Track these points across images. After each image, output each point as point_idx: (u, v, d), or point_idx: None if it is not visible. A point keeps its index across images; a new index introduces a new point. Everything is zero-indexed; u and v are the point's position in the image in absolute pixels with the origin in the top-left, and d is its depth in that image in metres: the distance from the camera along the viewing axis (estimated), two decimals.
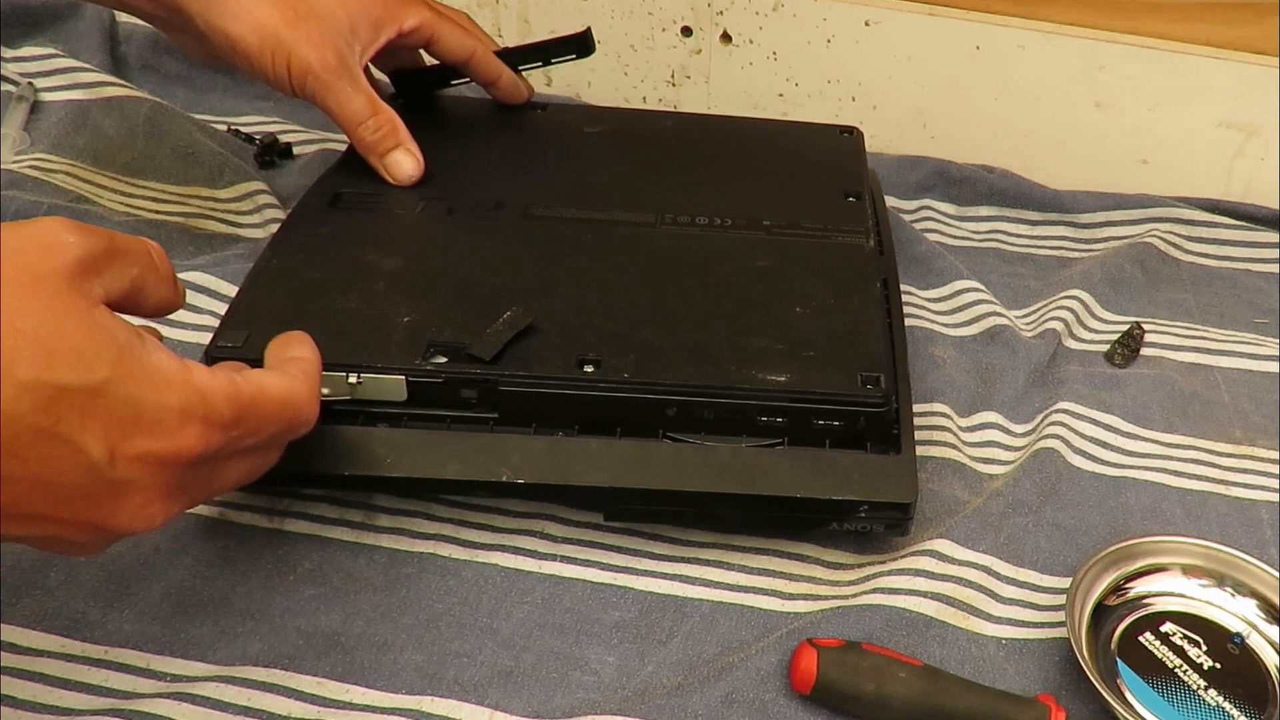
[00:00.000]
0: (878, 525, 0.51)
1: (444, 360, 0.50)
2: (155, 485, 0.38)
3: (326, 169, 0.65)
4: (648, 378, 0.50)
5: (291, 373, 0.44)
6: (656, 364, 0.51)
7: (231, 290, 0.64)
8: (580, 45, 0.69)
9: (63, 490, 0.36)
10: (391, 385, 0.50)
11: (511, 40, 0.88)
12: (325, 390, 0.50)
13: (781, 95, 0.85)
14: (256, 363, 0.50)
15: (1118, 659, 0.49)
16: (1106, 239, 0.77)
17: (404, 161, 0.62)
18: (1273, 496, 0.58)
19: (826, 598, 0.52)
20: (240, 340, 0.50)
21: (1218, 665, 0.49)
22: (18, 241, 0.36)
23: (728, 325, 0.53)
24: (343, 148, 0.67)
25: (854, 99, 0.84)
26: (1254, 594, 0.52)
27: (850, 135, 0.70)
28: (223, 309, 0.63)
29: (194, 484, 0.40)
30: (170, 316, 0.62)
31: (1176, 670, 0.48)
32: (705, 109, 0.88)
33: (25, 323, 0.34)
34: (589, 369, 0.50)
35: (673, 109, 0.89)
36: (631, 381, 0.50)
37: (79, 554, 0.40)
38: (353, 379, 0.50)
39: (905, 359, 0.56)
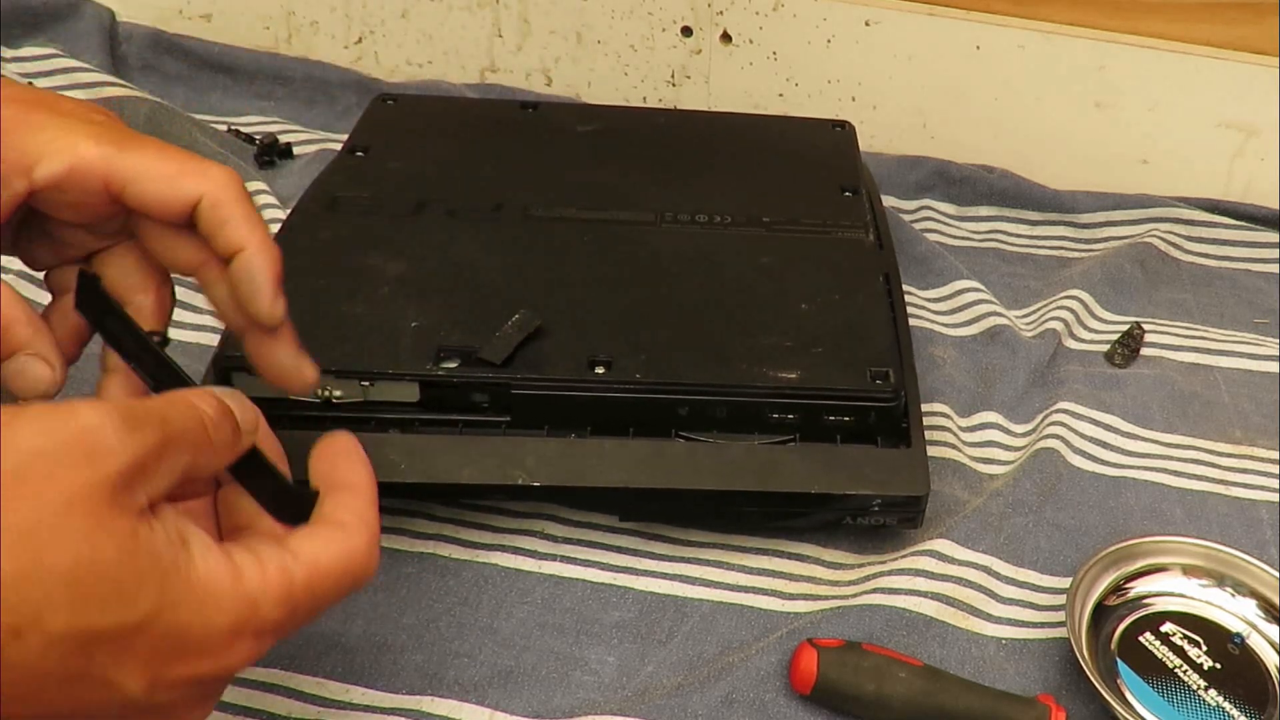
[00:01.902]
0: (890, 519, 0.51)
1: (455, 364, 0.50)
2: (198, 699, 0.34)
3: (321, 172, 0.65)
4: (659, 378, 0.50)
5: (347, 522, 0.37)
6: (667, 364, 0.51)
7: None
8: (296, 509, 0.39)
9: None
10: (404, 390, 0.50)
11: (512, 40, 0.88)
12: (337, 393, 0.50)
13: (781, 95, 0.85)
14: None
15: (1118, 659, 0.49)
16: (1106, 239, 0.77)
17: (25, 371, 0.39)
18: (1273, 496, 0.58)
19: (826, 598, 0.52)
20: (245, 348, 0.50)
21: (1218, 665, 0.49)
22: (54, 448, 0.30)
23: (735, 323, 0.53)
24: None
25: (854, 99, 0.84)
26: (1254, 594, 0.52)
27: (843, 129, 0.71)
28: None
29: (222, 689, 0.36)
30: (170, 317, 0.62)
31: (1176, 670, 0.48)
32: (705, 109, 0.88)
33: (57, 558, 0.29)
34: (600, 370, 0.50)
35: (673, 109, 0.89)
36: (643, 382, 0.50)
37: None
38: (364, 384, 0.50)
39: (911, 353, 0.57)
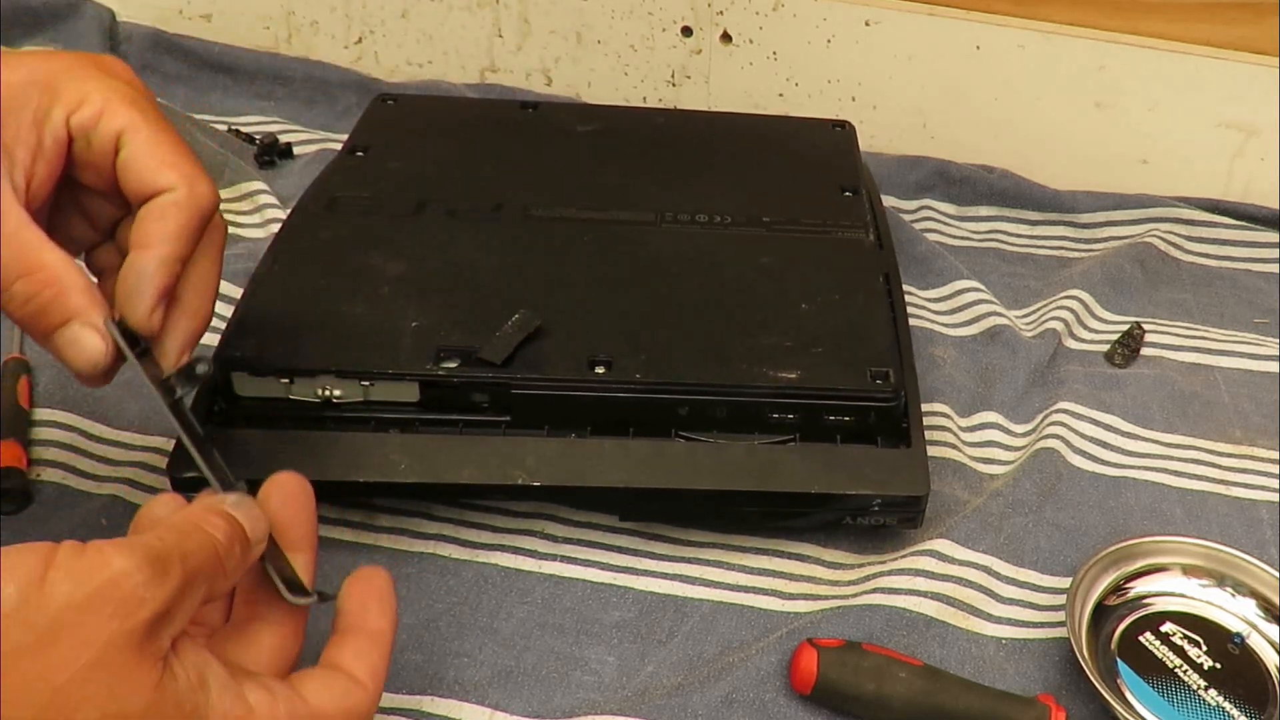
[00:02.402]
0: (890, 519, 0.51)
1: (455, 364, 0.50)
2: None
3: (321, 172, 0.65)
4: (659, 378, 0.50)
5: (360, 676, 0.38)
6: (668, 364, 0.51)
7: (231, 290, 0.64)
8: None
9: None
10: (404, 390, 0.51)
11: (512, 40, 0.88)
12: (337, 393, 0.51)
13: (781, 95, 0.85)
14: (266, 371, 0.50)
15: (1118, 659, 0.49)
16: (1106, 239, 0.77)
17: (78, 341, 0.39)
18: (1273, 496, 0.58)
19: (826, 598, 0.52)
20: (249, 349, 0.51)
21: (1218, 665, 0.49)
22: (86, 600, 0.30)
23: (735, 323, 0.53)
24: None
25: (854, 99, 0.84)
26: (1254, 594, 0.52)
27: (843, 129, 0.71)
28: (223, 308, 0.63)
29: None
30: None
31: (1176, 670, 0.48)
32: (705, 109, 0.88)
33: (88, 714, 0.29)
34: (600, 370, 0.50)
35: (673, 109, 0.89)
36: (643, 382, 0.50)
37: None
38: (364, 384, 0.50)
39: (911, 352, 0.57)
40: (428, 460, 0.50)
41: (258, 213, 0.72)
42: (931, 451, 0.54)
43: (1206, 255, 0.75)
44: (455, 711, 0.47)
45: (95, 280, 0.43)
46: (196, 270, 0.42)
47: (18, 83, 0.39)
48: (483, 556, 0.53)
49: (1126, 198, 0.78)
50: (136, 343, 0.40)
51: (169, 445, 0.54)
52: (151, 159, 0.40)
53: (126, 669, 0.30)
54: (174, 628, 0.32)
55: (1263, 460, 0.60)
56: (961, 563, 0.53)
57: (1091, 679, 0.47)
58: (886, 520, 0.52)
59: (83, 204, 0.42)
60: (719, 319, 0.54)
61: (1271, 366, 0.67)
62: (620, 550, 0.54)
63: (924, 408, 0.60)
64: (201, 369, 0.42)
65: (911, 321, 0.63)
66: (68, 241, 0.43)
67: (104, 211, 0.43)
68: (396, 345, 0.51)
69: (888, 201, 0.76)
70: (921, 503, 0.51)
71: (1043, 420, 0.62)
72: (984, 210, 0.80)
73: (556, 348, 0.51)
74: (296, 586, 0.39)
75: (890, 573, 0.52)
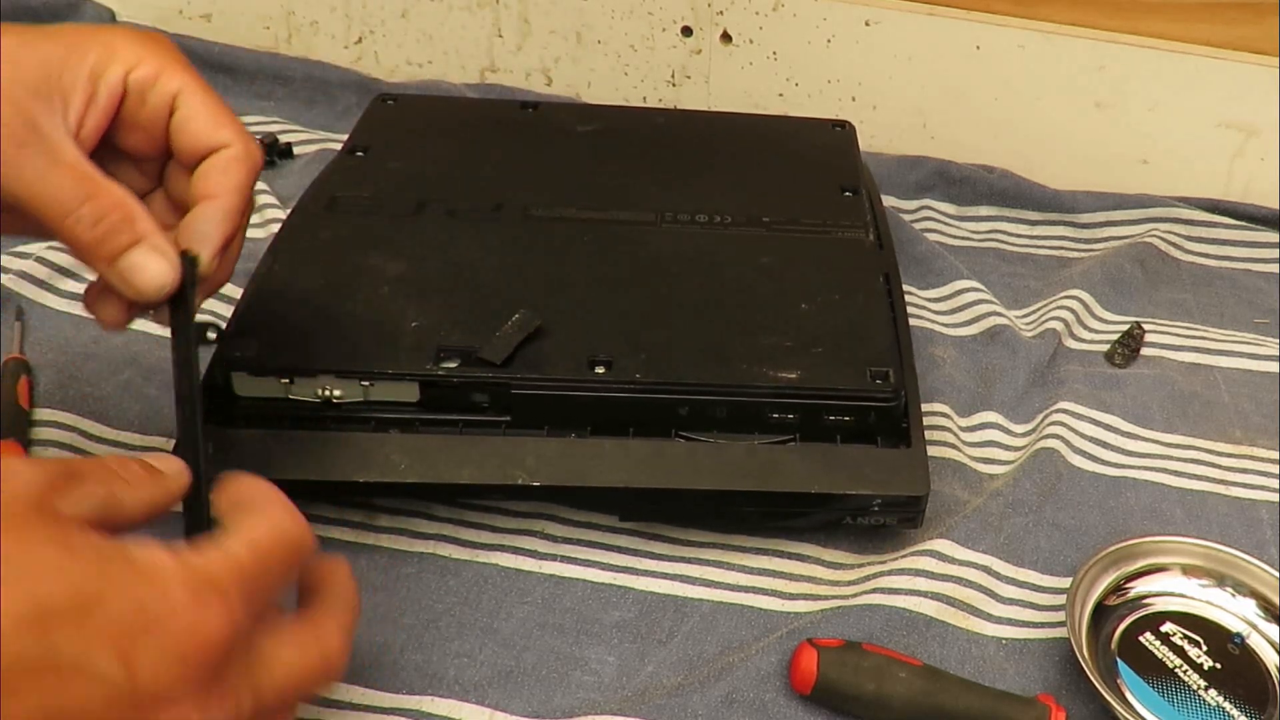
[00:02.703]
0: (890, 519, 0.51)
1: (455, 364, 0.50)
2: (190, 690, 0.33)
3: (321, 172, 0.65)
4: (659, 378, 0.50)
5: (265, 508, 0.38)
6: (667, 364, 0.51)
7: (231, 290, 0.63)
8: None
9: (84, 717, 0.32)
10: (404, 390, 0.50)
11: (512, 40, 0.88)
12: (337, 393, 0.51)
13: (781, 95, 0.85)
14: (266, 371, 0.50)
15: (1118, 659, 0.49)
16: (1106, 239, 0.77)
17: (148, 265, 0.41)
18: (1273, 496, 0.58)
19: (826, 598, 0.52)
20: (249, 349, 0.51)
21: (1218, 665, 0.49)
22: None
23: (735, 323, 0.53)
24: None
25: (854, 99, 0.84)
26: (1254, 594, 0.52)
27: (843, 129, 0.71)
28: (223, 309, 0.63)
29: (236, 678, 0.35)
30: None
31: (1176, 670, 0.48)
32: (705, 109, 0.88)
33: (8, 569, 0.31)
34: (600, 370, 0.50)
35: (673, 109, 0.89)
36: (643, 382, 0.50)
37: None
38: (364, 384, 0.50)
39: (911, 352, 0.57)
40: (428, 460, 0.50)
41: (258, 213, 0.72)
42: (931, 451, 0.54)
43: (1206, 255, 0.75)
44: (455, 711, 0.47)
45: None
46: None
47: (77, 38, 0.41)
48: (483, 556, 0.53)
49: (1126, 198, 0.78)
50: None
51: (169, 445, 0.54)
52: (210, 118, 0.43)
53: (28, 522, 0.32)
54: (71, 506, 0.34)
55: (1263, 460, 0.60)
56: (961, 563, 0.53)
57: (1091, 679, 0.47)
58: (886, 520, 0.52)
59: (111, 174, 0.43)
60: (719, 319, 0.54)
61: (1271, 366, 0.67)
62: (620, 550, 0.54)
63: (924, 408, 0.60)
64: (211, 334, 0.44)
65: (911, 321, 0.63)
66: None
67: (133, 182, 0.45)
68: (396, 345, 0.51)
69: (888, 201, 0.76)
70: (921, 503, 0.51)
71: (1043, 420, 0.62)
72: (984, 210, 0.80)
73: (556, 348, 0.51)
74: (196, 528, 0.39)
75: (890, 573, 0.52)
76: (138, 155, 0.45)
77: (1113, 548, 0.52)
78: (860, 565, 0.54)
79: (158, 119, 0.43)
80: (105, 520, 0.35)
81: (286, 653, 0.36)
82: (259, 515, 0.38)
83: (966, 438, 0.61)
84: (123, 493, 0.36)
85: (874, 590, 0.51)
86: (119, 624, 0.32)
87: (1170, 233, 0.76)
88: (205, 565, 0.34)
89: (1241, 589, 0.52)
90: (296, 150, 0.80)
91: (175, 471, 0.39)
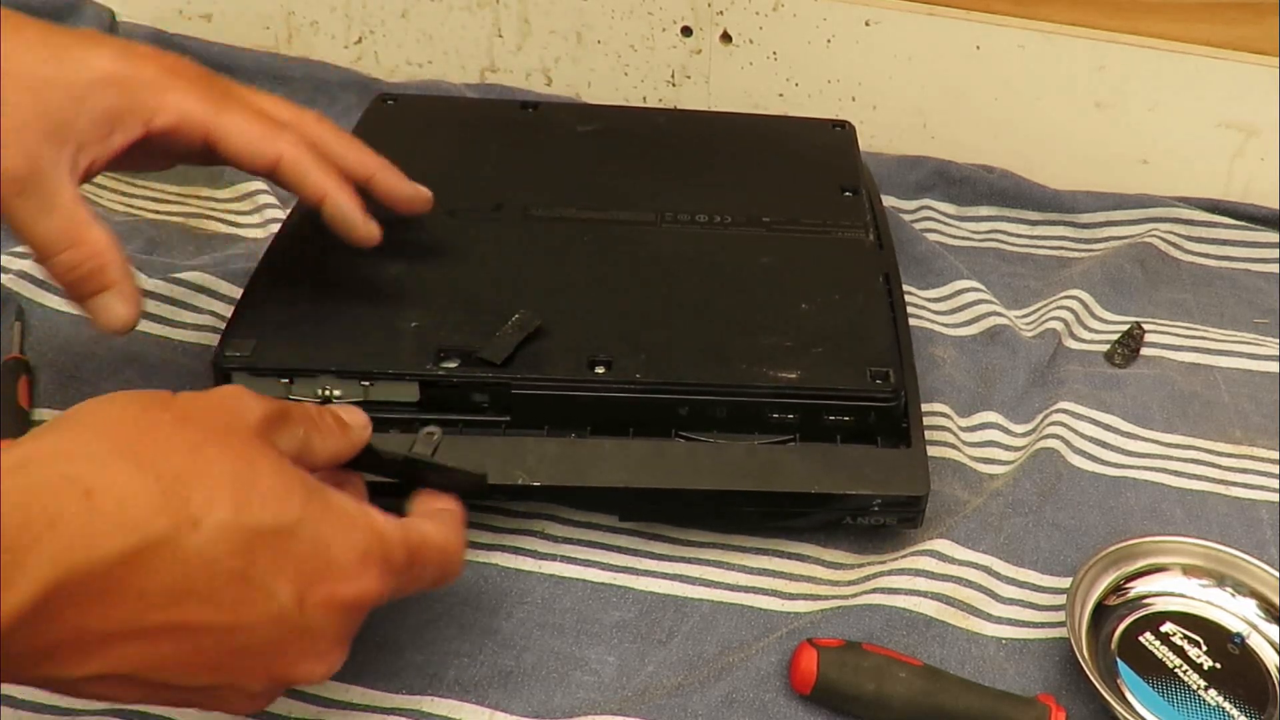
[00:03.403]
0: (890, 519, 0.51)
1: (455, 365, 0.50)
2: (336, 632, 0.38)
3: None
4: (659, 378, 0.50)
5: (447, 523, 0.43)
6: (668, 364, 0.51)
7: (231, 290, 0.64)
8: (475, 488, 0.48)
9: (253, 638, 0.36)
10: (404, 390, 0.50)
11: (512, 40, 0.88)
12: (336, 393, 0.51)
13: (781, 95, 0.85)
14: (266, 372, 0.50)
15: (1118, 659, 0.49)
16: (1106, 239, 0.77)
17: (112, 306, 0.46)
18: (1273, 496, 0.58)
19: (826, 598, 0.52)
20: (248, 350, 0.50)
21: (1218, 665, 0.49)
22: (207, 402, 0.37)
23: (735, 323, 0.53)
24: None
25: (854, 99, 0.84)
26: (1254, 594, 0.52)
27: (843, 129, 0.70)
28: (222, 309, 0.63)
29: (355, 631, 0.39)
30: (170, 316, 0.62)
31: (1176, 670, 0.48)
32: (705, 109, 0.88)
33: (221, 468, 0.35)
34: (600, 370, 0.50)
35: (673, 109, 0.89)
36: (643, 382, 0.50)
37: (241, 709, 0.38)
38: (364, 384, 0.50)
39: (911, 353, 0.57)
40: None
41: (258, 213, 0.72)
42: (931, 451, 0.54)
43: (1206, 255, 0.75)
44: (455, 711, 0.47)
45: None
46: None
47: (94, 79, 0.43)
48: (482, 556, 0.53)
49: (1126, 198, 0.78)
50: None
51: None
52: (248, 148, 0.46)
53: (251, 445, 0.37)
54: (282, 441, 0.39)
55: (1263, 460, 0.60)
56: (961, 563, 0.53)
57: (1091, 679, 0.47)
58: (886, 520, 0.52)
59: (134, 158, 0.47)
60: (719, 319, 0.54)
61: (1271, 366, 0.67)
62: (620, 550, 0.54)
63: (924, 408, 0.60)
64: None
65: (911, 321, 0.63)
66: (123, 168, 0.49)
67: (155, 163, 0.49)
68: (396, 345, 0.51)
69: (888, 201, 0.76)
70: (921, 503, 0.51)
71: (1043, 420, 0.62)
72: (984, 210, 0.80)
73: (556, 348, 0.51)
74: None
75: (890, 573, 0.52)
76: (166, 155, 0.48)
77: (1113, 548, 0.52)
78: (860, 565, 0.54)
79: (194, 145, 0.46)
80: (299, 461, 0.39)
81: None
82: (446, 524, 0.43)
83: (966, 438, 0.61)
84: (316, 439, 0.41)
85: (874, 590, 0.51)
86: (305, 559, 0.36)
87: (1170, 233, 0.76)
88: (383, 530, 0.39)
89: (1241, 589, 0.52)
90: None
91: (360, 425, 0.43)
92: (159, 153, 0.47)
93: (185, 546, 0.33)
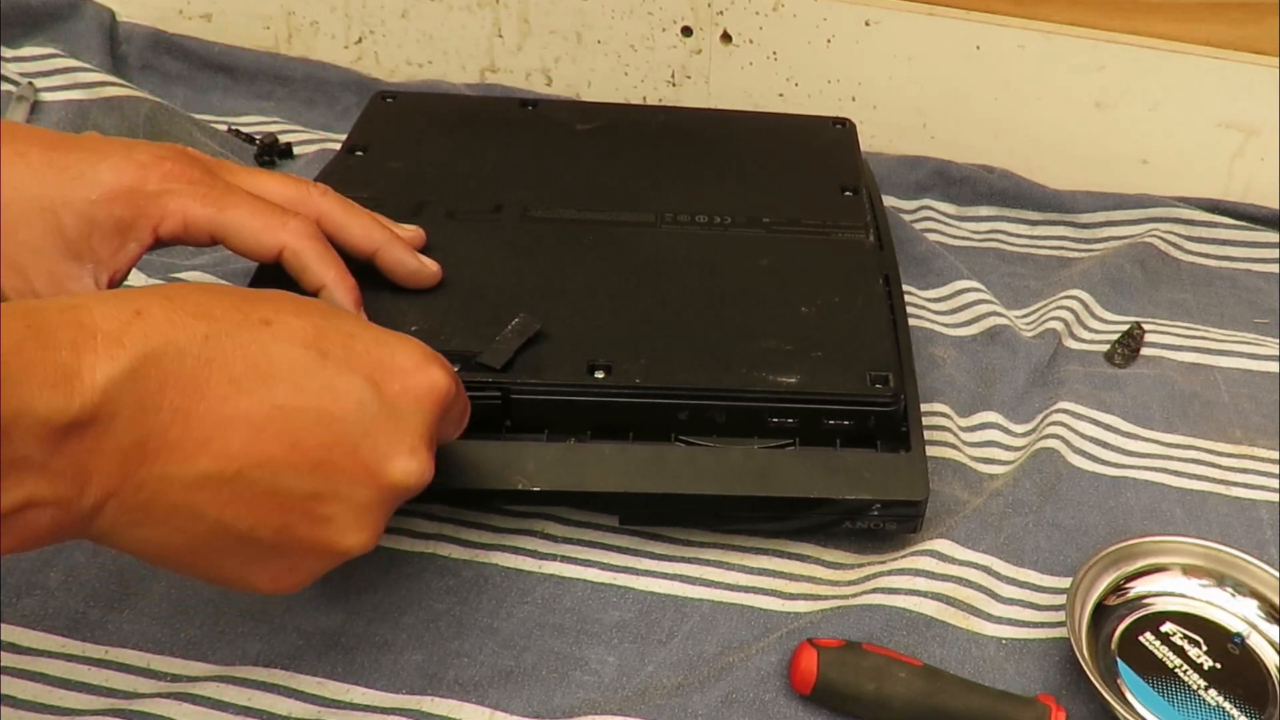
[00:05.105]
0: (890, 523, 0.51)
1: (455, 369, 0.50)
2: (421, 426, 0.40)
3: (321, 172, 0.64)
4: (659, 382, 0.50)
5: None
6: (667, 368, 0.51)
7: None
8: None
9: (345, 428, 0.38)
10: None
11: (512, 40, 0.88)
12: None
13: (782, 95, 0.85)
14: None
15: (1118, 659, 0.49)
16: (1106, 239, 0.77)
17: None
18: (1273, 496, 0.58)
19: (826, 598, 0.52)
20: None
21: (1218, 665, 0.49)
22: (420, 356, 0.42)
23: (735, 327, 0.53)
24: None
25: (854, 99, 0.84)
26: (1254, 594, 0.52)
27: (843, 127, 0.70)
28: None
29: (433, 445, 0.42)
30: None
31: (1176, 670, 0.48)
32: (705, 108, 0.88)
33: (283, 299, 0.40)
34: (600, 375, 0.50)
35: (673, 106, 0.89)
36: (643, 386, 0.50)
37: (349, 537, 0.40)
38: None
39: (911, 356, 0.57)
40: None
41: None
42: (931, 452, 0.54)
43: (1206, 255, 0.75)
44: (455, 711, 0.47)
45: None
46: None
47: (101, 196, 0.45)
48: (482, 556, 0.53)
49: (1126, 198, 0.78)
50: None
51: None
52: (253, 240, 0.47)
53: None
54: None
55: (1263, 460, 0.60)
56: (961, 563, 0.53)
57: (1091, 679, 0.47)
58: (886, 524, 0.52)
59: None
60: (719, 323, 0.54)
61: (1271, 366, 0.67)
62: (620, 550, 0.54)
63: (924, 408, 0.60)
64: None
65: (911, 322, 0.63)
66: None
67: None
68: None
69: (888, 201, 0.76)
70: (921, 507, 0.51)
71: (1043, 420, 0.62)
72: (984, 210, 0.80)
73: (556, 352, 0.51)
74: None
75: (890, 573, 0.52)
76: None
77: (1113, 548, 0.52)
78: (860, 565, 0.54)
79: (204, 239, 0.48)
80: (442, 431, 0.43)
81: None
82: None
83: (966, 438, 0.61)
84: (455, 422, 0.45)
85: (874, 590, 0.51)
86: (373, 356, 0.39)
87: (1170, 233, 0.76)
88: (432, 350, 0.42)
89: (1241, 589, 0.52)
90: (296, 150, 0.80)
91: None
92: (170, 246, 0.49)
93: (261, 336, 0.37)
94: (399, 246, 0.53)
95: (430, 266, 0.54)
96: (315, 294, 0.48)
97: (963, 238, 0.78)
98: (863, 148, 0.70)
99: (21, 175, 0.44)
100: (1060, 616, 0.50)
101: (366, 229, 0.52)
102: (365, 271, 0.55)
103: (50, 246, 0.45)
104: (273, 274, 0.51)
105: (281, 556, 0.39)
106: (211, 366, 0.35)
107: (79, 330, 0.33)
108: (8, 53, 0.80)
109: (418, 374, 0.40)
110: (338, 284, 0.49)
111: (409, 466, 0.40)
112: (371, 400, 0.39)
